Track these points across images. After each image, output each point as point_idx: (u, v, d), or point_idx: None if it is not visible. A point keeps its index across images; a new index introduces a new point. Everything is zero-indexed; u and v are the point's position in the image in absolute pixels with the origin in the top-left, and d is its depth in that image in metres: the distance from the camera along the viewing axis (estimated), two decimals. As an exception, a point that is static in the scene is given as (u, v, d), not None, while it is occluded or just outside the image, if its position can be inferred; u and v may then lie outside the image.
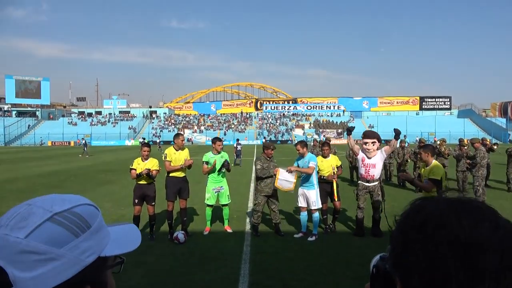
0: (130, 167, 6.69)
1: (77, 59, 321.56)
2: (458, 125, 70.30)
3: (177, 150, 6.84)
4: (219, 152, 7.03)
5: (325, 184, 7.16)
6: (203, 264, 5.42)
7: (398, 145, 6.94)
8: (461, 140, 12.36)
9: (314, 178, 6.72)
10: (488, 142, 12.92)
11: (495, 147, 12.39)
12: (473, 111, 78.54)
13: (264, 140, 52.07)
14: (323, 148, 7.40)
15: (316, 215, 6.70)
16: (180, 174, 6.82)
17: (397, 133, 6.65)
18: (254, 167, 7.07)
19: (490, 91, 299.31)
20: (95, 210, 0.76)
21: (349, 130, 7.14)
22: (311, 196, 6.67)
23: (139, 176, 6.51)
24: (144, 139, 34.66)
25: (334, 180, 7.10)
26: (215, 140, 7.12)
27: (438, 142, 12.78)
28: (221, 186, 7.07)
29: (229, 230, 7.12)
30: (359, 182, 6.94)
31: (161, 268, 5.27)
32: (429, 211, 0.61)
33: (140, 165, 6.59)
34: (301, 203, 6.82)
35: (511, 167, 11.97)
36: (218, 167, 6.96)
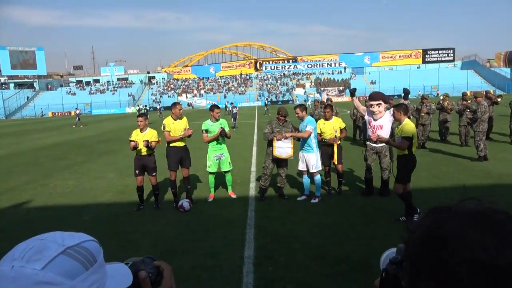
0: (129, 138, 6.64)
1: (70, 26, 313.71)
2: (461, 77, 69.02)
3: (175, 120, 6.75)
4: (217, 120, 6.92)
5: (327, 146, 7.08)
6: (209, 230, 5.51)
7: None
8: (464, 94, 12.17)
9: (313, 142, 6.66)
10: (492, 95, 12.69)
11: (499, 99, 12.21)
12: (477, 62, 76.77)
13: (265, 102, 51.60)
14: (325, 110, 7.22)
15: (318, 177, 6.72)
16: (180, 144, 6.78)
17: (406, 93, 6.52)
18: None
19: (496, 40, 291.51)
20: (99, 246, 0.81)
21: (352, 93, 7.17)
22: (311, 159, 6.66)
23: (135, 149, 6.50)
24: (145, 106, 34.09)
25: (335, 144, 7.01)
26: (213, 107, 6.97)
27: (441, 97, 12.60)
28: (222, 154, 7.02)
29: (233, 196, 7.18)
30: (367, 143, 6.99)
31: (168, 236, 5.37)
32: (449, 229, 0.56)
33: (138, 136, 6.53)
34: (301, 167, 6.81)
35: (515, 119, 11.84)
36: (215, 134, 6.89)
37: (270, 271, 4.13)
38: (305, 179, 6.89)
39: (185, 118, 6.88)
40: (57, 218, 6.55)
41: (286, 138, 6.53)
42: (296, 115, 6.70)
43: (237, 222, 5.79)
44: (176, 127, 6.69)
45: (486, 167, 8.66)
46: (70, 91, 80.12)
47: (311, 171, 6.70)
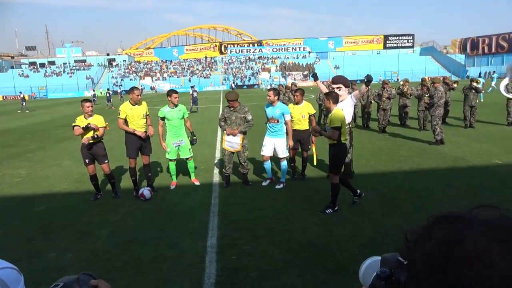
0: (73, 124, 6.12)
1: (22, 3, 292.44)
2: (420, 63, 71.58)
3: (133, 105, 6.39)
4: (176, 105, 6.59)
5: (296, 131, 6.86)
6: (171, 219, 5.34)
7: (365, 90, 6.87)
8: (423, 80, 12.53)
9: (284, 127, 6.63)
10: (449, 81, 13.18)
11: (455, 85, 12.69)
12: (434, 48, 79.84)
13: (231, 85, 51.21)
14: (295, 93, 6.97)
15: (284, 163, 6.71)
16: (140, 129, 6.43)
17: (369, 79, 6.56)
18: None
19: (452, 27, 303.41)
20: (18, 274, 0.74)
21: (314, 76, 7.41)
22: (281, 145, 6.62)
23: (82, 133, 6.07)
24: (108, 90, 32.32)
25: (313, 145, 6.82)
26: (171, 92, 6.60)
27: (401, 83, 12.93)
28: (181, 140, 6.74)
29: (197, 183, 7.01)
30: None
31: (127, 227, 5.15)
32: (470, 245, 0.46)
33: (84, 123, 6.05)
34: (265, 152, 6.69)
35: (467, 104, 12.40)
36: (177, 125, 6.64)
37: (234, 260, 4.06)
38: (267, 165, 6.81)
39: (144, 104, 6.54)
40: (6, 209, 6.12)
41: (234, 135, 6.44)
42: (268, 97, 6.55)
43: (200, 210, 5.66)
44: (134, 113, 6.34)
45: (443, 150, 9.01)
46: (22, 73, 75.31)
47: (280, 156, 6.66)
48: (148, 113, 6.54)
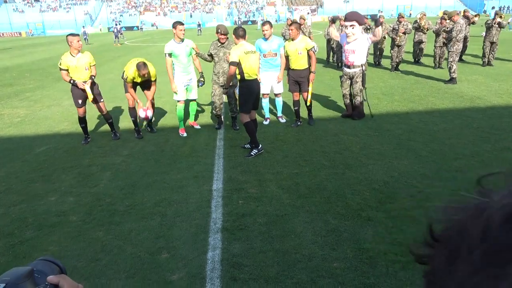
0: (59, 66, 5.63)
1: None
2: (435, -4, 67.28)
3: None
4: (182, 40, 5.96)
5: (294, 71, 6.20)
6: (175, 162, 5.14)
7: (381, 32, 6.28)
8: (445, 13, 11.59)
9: (278, 60, 6.24)
10: (469, 14, 12.22)
11: (477, 18, 11.76)
12: (452, -21, 74.50)
13: (234, 21, 48.81)
14: (290, 27, 6.15)
15: (281, 98, 6.69)
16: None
17: (375, 20, 6.07)
18: None
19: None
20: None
21: (333, 20, 7.10)
22: (276, 79, 6.38)
23: (74, 83, 5.66)
24: (116, 25, 29.95)
25: (309, 90, 6.20)
26: (176, 24, 5.92)
27: (419, 16, 11.98)
28: (190, 79, 6.21)
29: (196, 126, 6.65)
30: (343, 68, 6.68)
31: (130, 169, 4.97)
32: None
33: (72, 62, 5.58)
34: (264, 89, 6.28)
35: (488, 40, 11.60)
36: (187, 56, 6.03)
37: (241, 204, 3.89)
38: (265, 103, 6.64)
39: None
40: (5, 151, 5.94)
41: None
42: (265, 31, 6.01)
43: (204, 152, 5.44)
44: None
45: (459, 89, 8.53)
46: (17, 8, 72.18)
47: (275, 92, 6.46)
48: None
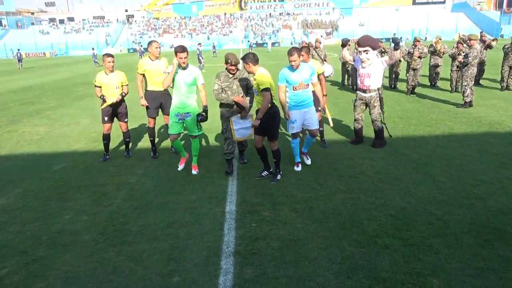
0: (94, 83, 6.03)
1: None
2: (451, 20, 67.42)
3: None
4: (184, 68, 5.17)
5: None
6: (189, 182, 5.14)
7: (398, 56, 6.12)
8: (460, 37, 11.56)
9: (310, 93, 5.30)
10: (486, 38, 12.15)
11: (494, 43, 11.68)
12: (468, 4, 74.79)
13: (250, 44, 49.44)
14: (301, 52, 5.56)
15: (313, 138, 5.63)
16: (160, 87, 5.96)
17: (396, 43, 5.95)
18: None
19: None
20: None
21: (343, 44, 6.72)
22: (314, 114, 5.35)
23: (103, 99, 5.97)
24: (140, 44, 31.45)
25: (324, 104, 5.93)
26: (178, 49, 5.06)
27: (434, 40, 11.98)
28: (188, 113, 5.28)
29: (195, 171, 5.50)
30: (357, 92, 6.54)
31: (144, 189, 4.99)
32: None
33: (105, 80, 5.92)
34: (297, 128, 5.33)
35: (507, 64, 11.47)
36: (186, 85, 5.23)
37: (254, 228, 3.84)
38: (296, 144, 5.45)
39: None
40: (23, 168, 6.06)
41: (244, 117, 5.18)
42: (293, 62, 4.97)
43: (219, 174, 5.43)
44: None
45: (477, 114, 8.39)
46: (43, 30, 75.26)
47: (313, 128, 5.36)
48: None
